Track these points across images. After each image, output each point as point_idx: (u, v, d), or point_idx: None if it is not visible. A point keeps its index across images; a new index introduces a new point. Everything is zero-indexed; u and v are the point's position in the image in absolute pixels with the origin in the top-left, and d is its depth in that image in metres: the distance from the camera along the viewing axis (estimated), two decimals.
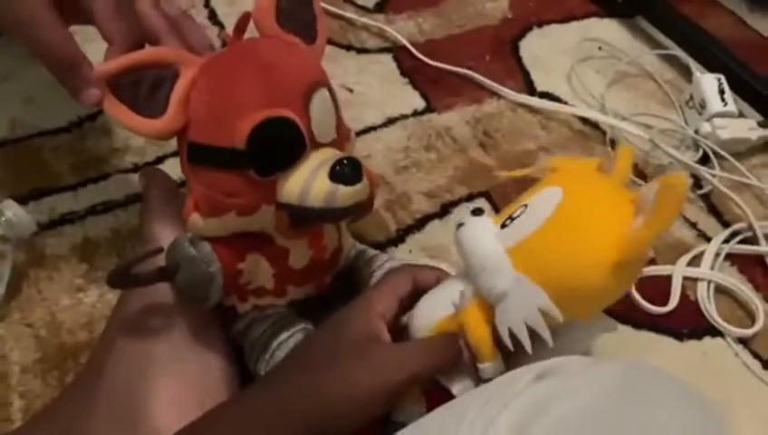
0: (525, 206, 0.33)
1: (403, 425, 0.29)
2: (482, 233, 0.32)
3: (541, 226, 0.31)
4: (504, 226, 0.33)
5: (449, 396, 0.33)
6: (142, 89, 0.32)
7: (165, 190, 0.38)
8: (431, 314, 0.34)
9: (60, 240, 0.45)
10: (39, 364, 0.39)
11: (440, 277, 0.36)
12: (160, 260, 0.33)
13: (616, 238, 0.29)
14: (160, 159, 0.51)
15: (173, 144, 0.50)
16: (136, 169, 0.50)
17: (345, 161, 0.32)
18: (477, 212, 0.34)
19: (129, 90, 0.32)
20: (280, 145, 0.32)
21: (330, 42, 0.58)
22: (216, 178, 0.33)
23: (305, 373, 0.31)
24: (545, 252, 0.31)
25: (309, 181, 0.32)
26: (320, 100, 0.33)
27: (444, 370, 0.33)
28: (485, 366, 0.32)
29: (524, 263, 0.31)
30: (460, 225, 0.34)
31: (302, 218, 0.34)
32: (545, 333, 0.29)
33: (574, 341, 0.36)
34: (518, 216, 0.32)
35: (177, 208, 0.35)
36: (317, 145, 0.34)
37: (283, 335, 0.35)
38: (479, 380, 0.33)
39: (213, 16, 0.63)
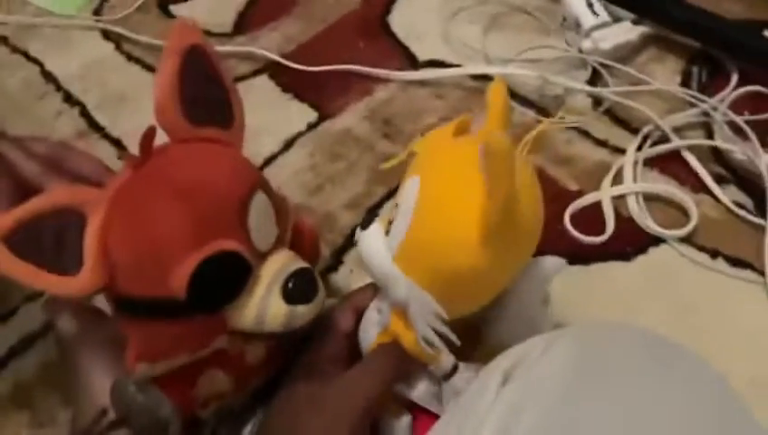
0: (397, 205, 0.32)
1: None
2: (373, 246, 0.32)
3: (410, 223, 0.30)
4: (388, 232, 0.32)
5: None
6: (45, 242, 0.27)
7: (78, 319, 0.34)
8: (368, 333, 0.34)
9: None
10: None
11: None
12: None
13: (474, 214, 0.28)
14: None
15: None
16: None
17: (295, 278, 0.30)
18: (365, 224, 0.33)
19: (29, 245, 0.27)
20: (225, 282, 0.29)
21: None
22: (157, 329, 0.29)
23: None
24: (420, 249, 0.30)
25: (263, 308, 0.30)
26: (256, 209, 0.30)
27: (396, 380, 0.33)
28: (432, 368, 0.32)
29: (409, 266, 0.30)
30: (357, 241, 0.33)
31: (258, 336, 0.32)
32: (451, 337, 0.30)
33: (522, 303, 0.36)
34: (395, 218, 0.32)
35: (99, 336, 0.33)
36: (263, 257, 0.30)
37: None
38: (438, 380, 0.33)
39: (69, 98, 0.58)
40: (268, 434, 0.32)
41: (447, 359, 0.32)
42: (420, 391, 0.33)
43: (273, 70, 0.60)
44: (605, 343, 0.26)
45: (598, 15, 0.57)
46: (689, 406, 0.23)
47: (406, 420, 0.34)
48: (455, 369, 0.33)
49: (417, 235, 0.30)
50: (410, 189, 0.31)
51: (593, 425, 0.22)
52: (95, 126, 0.56)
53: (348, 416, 0.30)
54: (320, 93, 0.58)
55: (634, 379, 0.24)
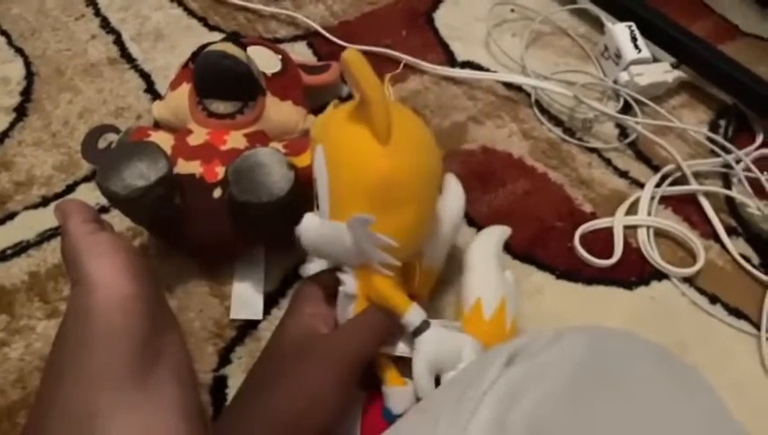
0: (314, 180, 0.36)
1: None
2: (310, 227, 0.35)
3: (328, 180, 0.34)
4: (316, 208, 0.36)
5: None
6: None
7: (87, 221, 0.34)
8: (345, 310, 0.35)
9: None
10: None
11: None
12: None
13: (368, 134, 0.32)
14: (71, 188, 0.47)
15: (83, 170, 0.46)
16: (45, 201, 0.46)
17: None
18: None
19: None
20: None
21: (238, 35, 0.55)
22: None
23: (259, 394, 0.30)
24: (343, 190, 0.33)
25: None
26: None
27: (382, 335, 0.34)
28: (405, 319, 0.33)
29: (342, 212, 0.33)
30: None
31: None
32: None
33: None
34: (315, 192, 0.36)
35: (104, 238, 0.32)
36: None
37: None
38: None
39: (106, 25, 0.58)
40: (255, 380, 0.32)
41: (417, 311, 0.34)
42: (401, 347, 0.35)
43: (312, 39, 0.60)
44: (616, 344, 0.25)
45: (639, 51, 0.58)
46: (692, 420, 0.23)
47: (406, 388, 0.34)
48: (426, 324, 0.34)
49: (336, 183, 0.33)
50: (318, 158, 0.35)
51: (592, 419, 0.22)
52: (127, 56, 0.56)
53: (337, 365, 0.30)
54: None
55: (639, 382, 0.23)
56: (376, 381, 0.35)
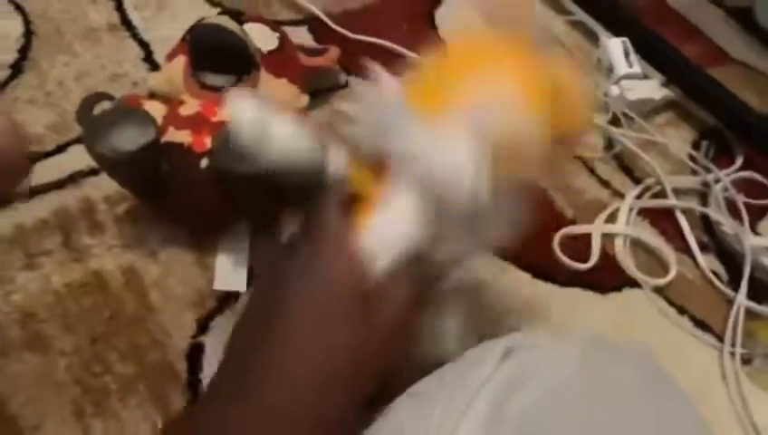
0: None
1: None
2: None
3: None
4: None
5: None
6: None
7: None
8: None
9: None
10: None
11: None
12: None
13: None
14: (61, 148, 0.47)
15: (74, 132, 0.46)
16: (33, 159, 0.46)
17: None
18: None
19: None
20: None
21: (239, 13, 0.55)
22: None
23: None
24: None
25: None
26: None
27: None
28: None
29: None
30: None
31: None
32: None
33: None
34: None
35: None
36: None
37: None
38: None
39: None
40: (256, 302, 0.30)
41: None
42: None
43: (313, 25, 0.60)
44: (613, 353, 0.26)
45: (631, 66, 0.60)
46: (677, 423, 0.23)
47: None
48: None
49: None
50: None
51: (585, 418, 0.23)
52: (128, 24, 0.56)
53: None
54: (352, 59, 0.58)
55: (632, 395, 0.24)
56: None
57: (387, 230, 0.29)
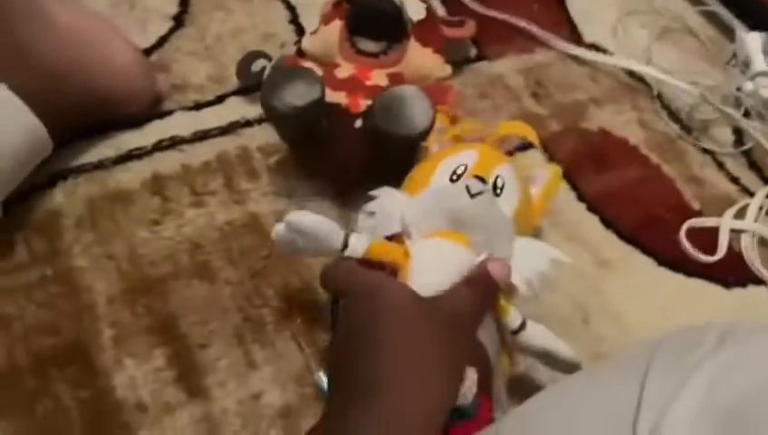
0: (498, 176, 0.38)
1: None
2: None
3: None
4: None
5: None
6: None
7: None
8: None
9: (129, 175, 0.45)
10: (125, 295, 0.39)
11: None
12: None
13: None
14: (221, 98, 0.50)
15: (231, 85, 0.49)
16: (197, 106, 0.49)
17: None
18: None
19: None
20: None
21: None
22: None
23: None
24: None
25: None
26: None
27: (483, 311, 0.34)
28: (505, 321, 0.35)
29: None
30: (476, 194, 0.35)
31: None
32: None
33: None
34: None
35: None
36: None
37: None
38: None
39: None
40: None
41: (517, 314, 0.35)
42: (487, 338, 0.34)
43: None
44: None
45: None
46: None
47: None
48: (523, 325, 0.35)
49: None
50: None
51: None
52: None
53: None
54: (484, 34, 0.59)
55: None
56: None
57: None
